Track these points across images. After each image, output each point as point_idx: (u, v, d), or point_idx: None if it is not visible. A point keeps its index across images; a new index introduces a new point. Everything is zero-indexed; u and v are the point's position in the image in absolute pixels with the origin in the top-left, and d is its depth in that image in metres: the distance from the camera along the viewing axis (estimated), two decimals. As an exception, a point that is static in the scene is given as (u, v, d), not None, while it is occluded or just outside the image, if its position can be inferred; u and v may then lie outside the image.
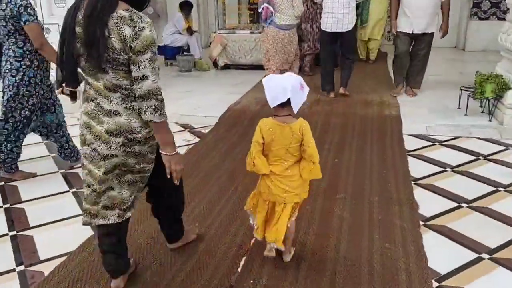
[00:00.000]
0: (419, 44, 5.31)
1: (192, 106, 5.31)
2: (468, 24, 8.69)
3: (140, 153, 1.92)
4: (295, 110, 2.04)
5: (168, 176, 1.93)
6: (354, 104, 5.31)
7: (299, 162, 2.15)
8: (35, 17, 3.07)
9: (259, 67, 6.92)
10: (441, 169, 3.53)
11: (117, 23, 1.69)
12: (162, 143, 1.88)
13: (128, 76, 1.77)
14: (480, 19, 8.61)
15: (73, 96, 2.09)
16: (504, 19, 8.37)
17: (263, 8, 5.76)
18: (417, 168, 3.54)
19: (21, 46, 3.12)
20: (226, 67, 7.45)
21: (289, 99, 1.99)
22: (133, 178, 1.98)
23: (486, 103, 4.63)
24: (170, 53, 7.54)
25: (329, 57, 5.51)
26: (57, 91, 1.93)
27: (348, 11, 5.14)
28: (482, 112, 4.76)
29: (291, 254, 2.38)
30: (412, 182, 3.29)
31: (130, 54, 1.70)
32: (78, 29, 1.75)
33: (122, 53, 1.70)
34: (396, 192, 3.12)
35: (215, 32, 7.50)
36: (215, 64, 7.42)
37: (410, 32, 5.20)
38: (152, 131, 1.87)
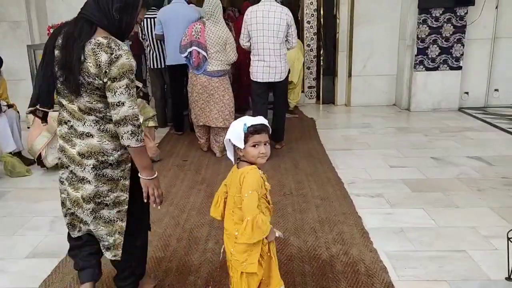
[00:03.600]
0: None
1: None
2: (412, 76, 6.59)
3: (113, 178, 1.93)
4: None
5: (145, 201, 1.94)
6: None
7: None
8: None
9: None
10: None
11: (94, 48, 1.75)
12: (140, 167, 1.91)
13: (102, 100, 1.82)
14: (427, 69, 6.55)
15: (43, 118, 1.97)
16: (458, 68, 6.49)
17: (190, 53, 4.56)
18: None
19: None
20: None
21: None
22: (109, 214, 1.94)
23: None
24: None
25: (261, 110, 4.74)
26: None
27: (279, 58, 4.56)
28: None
29: None
30: None
31: (106, 80, 1.75)
32: (57, 53, 1.83)
33: (96, 78, 1.76)
34: None
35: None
36: (40, 162, 4.38)
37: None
38: (124, 154, 1.92)
